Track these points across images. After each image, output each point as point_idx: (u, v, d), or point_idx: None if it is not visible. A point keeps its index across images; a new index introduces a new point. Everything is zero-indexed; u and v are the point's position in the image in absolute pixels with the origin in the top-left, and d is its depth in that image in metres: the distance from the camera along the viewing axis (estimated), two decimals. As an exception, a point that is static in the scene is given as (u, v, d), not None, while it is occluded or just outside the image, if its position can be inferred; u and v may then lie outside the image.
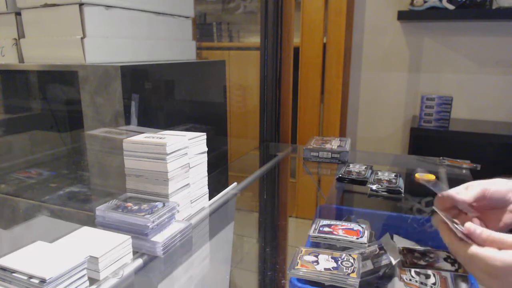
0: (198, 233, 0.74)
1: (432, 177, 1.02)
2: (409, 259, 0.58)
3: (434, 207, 0.45)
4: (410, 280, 0.59)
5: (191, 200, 0.75)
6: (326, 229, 0.68)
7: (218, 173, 1.14)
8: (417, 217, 0.76)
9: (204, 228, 0.76)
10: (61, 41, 0.86)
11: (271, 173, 1.20)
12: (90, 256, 0.54)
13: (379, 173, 1.03)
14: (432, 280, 0.59)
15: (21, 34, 0.93)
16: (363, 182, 0.98)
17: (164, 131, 0.76)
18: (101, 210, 0.65)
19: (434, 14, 1.52)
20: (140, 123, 0.83)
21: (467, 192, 0.44)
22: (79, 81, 0.81)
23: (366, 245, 0.64)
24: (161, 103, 0.96)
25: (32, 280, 0.47)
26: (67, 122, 0.99)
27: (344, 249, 0.64)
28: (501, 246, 0.36)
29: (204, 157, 0.77)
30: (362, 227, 0.69)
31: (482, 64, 1.60)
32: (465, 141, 1.47)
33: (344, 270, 0.53)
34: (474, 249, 0.37)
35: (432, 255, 0.58)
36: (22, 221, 0.81)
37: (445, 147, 1.40)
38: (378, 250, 0.62)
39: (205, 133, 0.76)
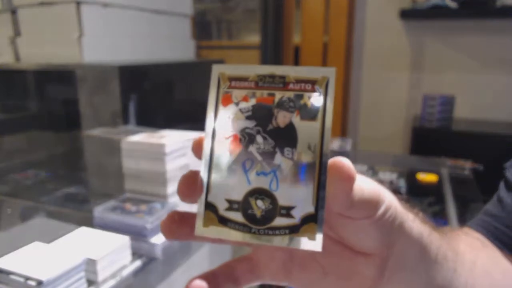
0: (198, 234, 0.73)
1: (434, 177, 1.01)
2: None
3: None
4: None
5: (190, 201, 0.74)
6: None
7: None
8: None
9: (204, 229, 0.75)
10: (58, 39, 0.85)
11: (271, 173, 1.19)
12: (88, 258, 0.53)
13: (381, 174, 1.02)
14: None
15: (17, 33, 0.92)
16: (364, 183, 0.97)
17: (162, 131, 0.76)
18: (99, 211, 0.64)
19: (436, 12, 1.50)
20: (138, 123, 0.83)
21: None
22: (77, 81, 0.80)
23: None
24: (160, 103, 0.95)
25: (29, 282, 0.47)
26: (64, 122, 0.98)
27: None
28: None
29: (204, 157, 0.76)
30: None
31: (485, 63, 1.59)
32: (467, 141, 1.45)
33: None
34: None
35: None
36: (19, 222, 0.80)
37: (447, 147, 1.39)
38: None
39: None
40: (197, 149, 0.21)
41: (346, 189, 0.19)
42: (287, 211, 0.19)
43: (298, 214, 0.19)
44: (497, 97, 1.59)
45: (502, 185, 0.42)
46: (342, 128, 1.79)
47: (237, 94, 0.21)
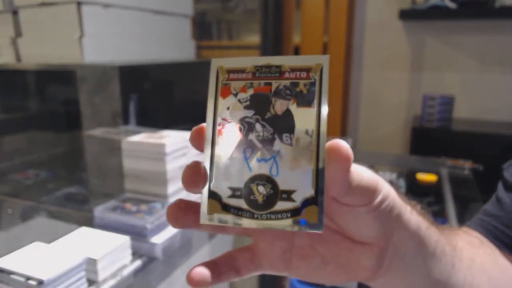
0: (198, 234, 0.73)
1: (433, 177, 1.01)
2: None
3: None
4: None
5: (190, 201, 0.74)
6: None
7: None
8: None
9: (204, 229, 0.75)
10: (59, 40, 0.85)
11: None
12: (89, 258, 0.53)
13: (380, 173, 1.02)
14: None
15: (18, 33, 0.92)
16: (364, 182, 0.97)
17: (163, 131, 0.76)
18: (100, 211, 0.64)
19: (435, 13, 1.51)
20: (138, 123, 0.83)
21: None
22: (77, 81, 0.81)
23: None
24: (160, 103, 0.95)
25: (29, 281, 0.47)
26: (65, 122, 0.98)
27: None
28: None
29: (204, 157, 0.76)
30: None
31: (484, 63, 1.59)
32: (467, 141, 1.46)
33: None
34: None
35: None
36: (20, 222, 0.80)
37: (447, 147, 1.39)
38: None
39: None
40: (195, 138, 0.21)
41: (344, 170, 0.19)
42: (288, 195, 0.19)
43: (298, 198, 0.19)
44: (496, 97, 1.60)
45: (500, 185, 0.42)
46: (342, 128, 1.79)
47: (235, 85, 0.21)
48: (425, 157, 1.21)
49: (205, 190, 0.20)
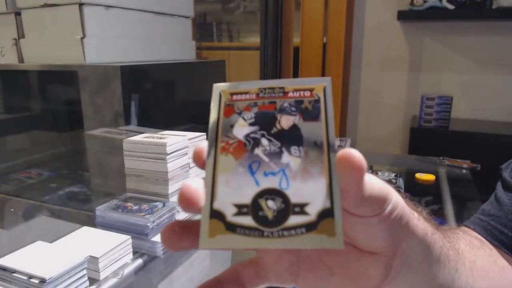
0: (198, 233, 0.74)
1: (432, 177, 1.02)
2: None
3: None
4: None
5: (191, 200, 0.75)
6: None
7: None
8: (417, 217, 0.75)
9: (204, 228, 0.76)
10: (61, 41, 0.86)
11: (271, 173, 1.19)
12: (90, 256, 0.54)
13: (379, 173, 1.03)
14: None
15: (21, 34, 0.93)
16: (363, 182, 0.97)
17: (164, 131, 0.76)
18: (101, 210, 0.65)
19: (434, 14, 1.52)
20: (140, 123, 0.83)
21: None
22: (79, 81, 0.81)
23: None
24: (161, 103, 0.96)
25: (32, 280, 0.47)
26: (67, 122, 0.99)
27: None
28: None
29: (204, 157, 0.77)
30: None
31: (482, 64, 1.60)
32: (465, 141, 1.46)
33: None
34: None
35: None
36: (22, 221, 0.81)
37: (445, 147, 1.40)
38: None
39: (205, 133, 0.76)
40: (197, 158, 0.20)
41: (358, 180, 0.17)
42: (301, 209, 0.18)
43: (313, 211, 0.17)
44: (494, 97, 1.61)
45: (499, 185, 0.42)
46: (341, 128, 1.80)
47: (239, 105, 0.21)
48: (423, 157, 1.22)
49: (206, 210, 0.18)
